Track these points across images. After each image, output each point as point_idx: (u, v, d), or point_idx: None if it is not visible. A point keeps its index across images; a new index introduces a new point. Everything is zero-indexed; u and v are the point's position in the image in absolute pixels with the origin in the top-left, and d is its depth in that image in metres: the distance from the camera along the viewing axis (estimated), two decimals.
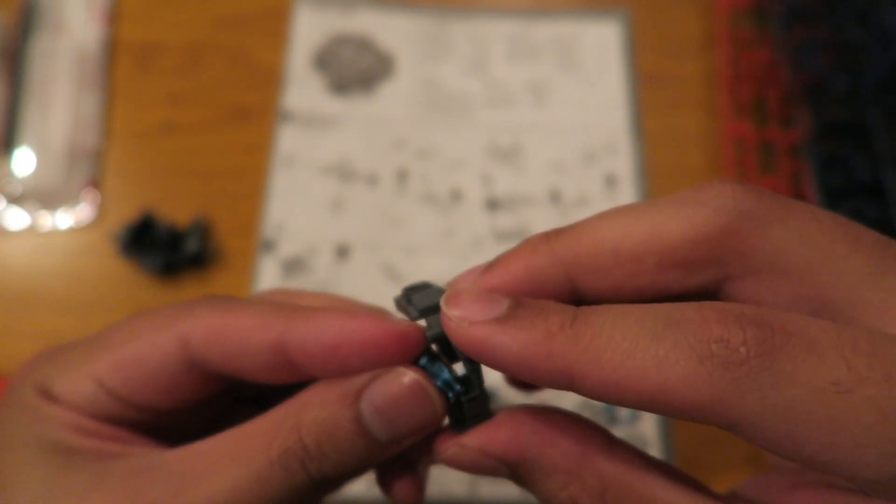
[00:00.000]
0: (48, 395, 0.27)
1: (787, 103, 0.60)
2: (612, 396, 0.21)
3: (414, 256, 0.56)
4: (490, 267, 0.27)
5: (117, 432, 0.28)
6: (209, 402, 0.31)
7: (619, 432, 0.50)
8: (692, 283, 0.25)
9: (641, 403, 0.21)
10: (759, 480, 0.25)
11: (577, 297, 0.26)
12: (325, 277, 0.55)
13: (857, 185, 0.55)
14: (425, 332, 0.26)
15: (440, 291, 0.27)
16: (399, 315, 0.28)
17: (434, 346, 0.26)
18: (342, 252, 0.56)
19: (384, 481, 0.30)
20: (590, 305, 0.23)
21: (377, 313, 0.27)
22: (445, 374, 0.26)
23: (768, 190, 0.24)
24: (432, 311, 0.27)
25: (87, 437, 0.27)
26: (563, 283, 0.26)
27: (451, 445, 0.26)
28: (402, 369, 0.25)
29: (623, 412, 0.51)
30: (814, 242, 0.23)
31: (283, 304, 0.28)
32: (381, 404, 0.25)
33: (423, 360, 0.26)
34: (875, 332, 0.20)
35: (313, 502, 0.27)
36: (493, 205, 0.58)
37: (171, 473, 0.25)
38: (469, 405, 0.26)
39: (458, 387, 0.26)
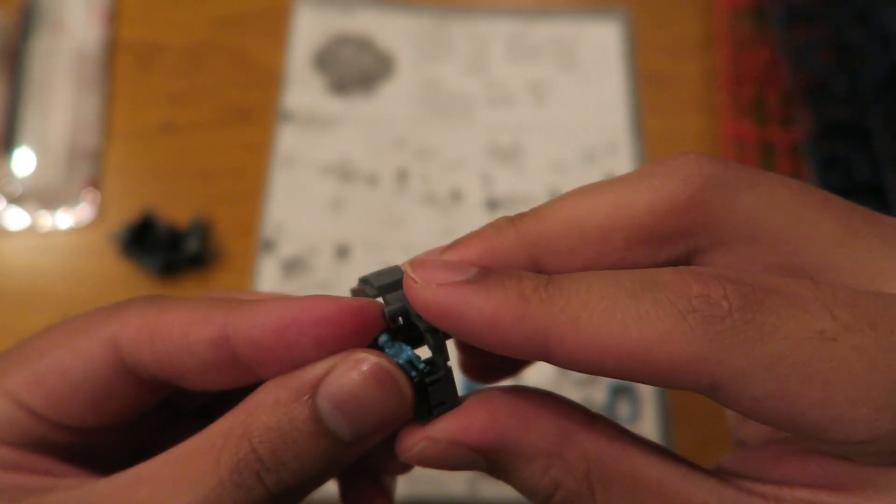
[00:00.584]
0: None
1: (787, 103, 0.60)
2: (592, 360, 0.20)
3: (414, 256, 0.56)
4: (451, 246, 0.25)
5: (40, 461, 0.24)
6: (145, 419, 0.28)
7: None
8: (662, 257, 0.23)
9: (621, 366, 0.20)
10: (744, 454, 0.24)
11: None
12: (325, 277, 0.55)
13: (857, 185, 0.55)
14: (384, 309, 0.24)
15: (399, 269, 0.25)
16: None
17: (392, 327, 0.24)
18: (342, 252, 0.56)
19: (348, 498, 0.28)
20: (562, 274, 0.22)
21: (330, 296, 0.24)
22: (408, 353, 0.24)
23: (733, 161, 0.23)
24: (392, 287, 0.25)
25: (4, 472, 0.24)
26: (528, 265, 0.24)
27: (417, 440, 0.23)
28: (360, 354, 0.23)
29: (622, 412, 0.51)
30: (783, 208, 0.22)
31: (223, 297, 0.25)
32: (342, 397, 0.22)
33: (382, 338, 0.24)
34: (853, 288, 0.20)
35: None
36: (493, 205, 0.58)
37: None
38: (434, 389, 0.23)
39: (422, 366, 0.23)
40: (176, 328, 0.24)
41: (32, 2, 0.63)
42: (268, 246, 0.56)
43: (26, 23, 0.62)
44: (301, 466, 0.22)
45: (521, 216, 0.24)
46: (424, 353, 0.24)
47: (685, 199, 0.22)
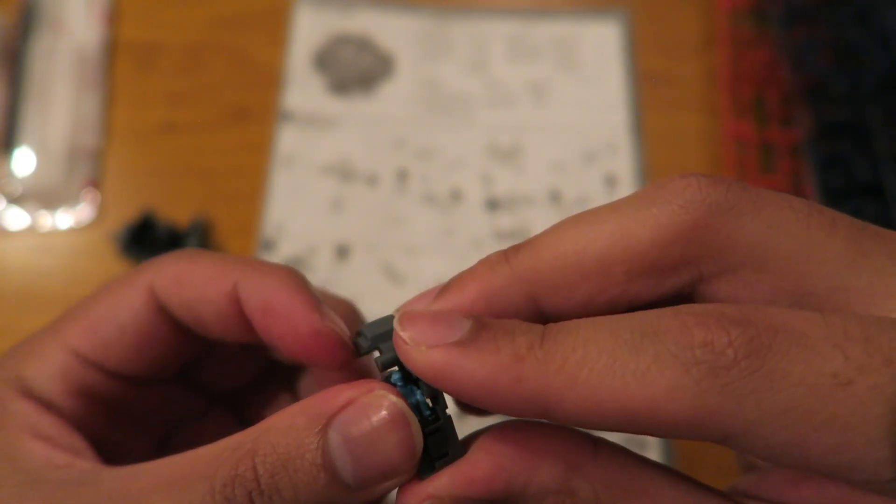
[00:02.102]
0: (20, 386, 0.26)
1: (787, 103, 0.60)
2: (594, 420, 0.19)
3: (414, 256, 0.56)
4: (445, 289, 0.23)
5: (72, 438, 0.26)
6: (175, 408, 0.31)
7: (617, 436, 0.50)
8: (666, 288, 0.22)
9: (626, 424, 0.19)
10: (758, 477, 0.24)
11: (542, 317, 0.23)
12: (325, 277, 0.55)
13: (857, 185, 0.55)
14: (375, 359, 0.23)
15: (393, 318, 0.23)
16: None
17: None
18: (342, 252, 0.56)
19: None
20: (558, 322, 0.21)
21: (316, 303, 0.25)
22: (417, 396, 0.23)
23: (735, 180, 0.22)
24: (386, 337, 0.23)
25: (41, 443, 0.25)
26: (526, 303, 0.23)
27: (421, 500, 0.22)
28: (382, 392, 0.22)
29: None
30: (789, 231, 0.21)
31: (244, 257, 0.28)
32: (354, 434, 0.21)
33: (395, 377, 0.23)
34: (864, 316, 0.19)
35: None
36: (493, 205, 0.58)
37: (101, 493, 0.23)
38: (434, 440, 0.22)
39: (427, 413, 0.23)
40: (198, 278, 0.26)
41: (32, 2, 0.63)
42: (268, 246, 0.56)
43: (26, 23, 0.62)
44: (294, 497, 0.21)
45: (516, 249, 0.24)
46: None
47: (688, 228, 0.21)
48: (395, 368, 0.23)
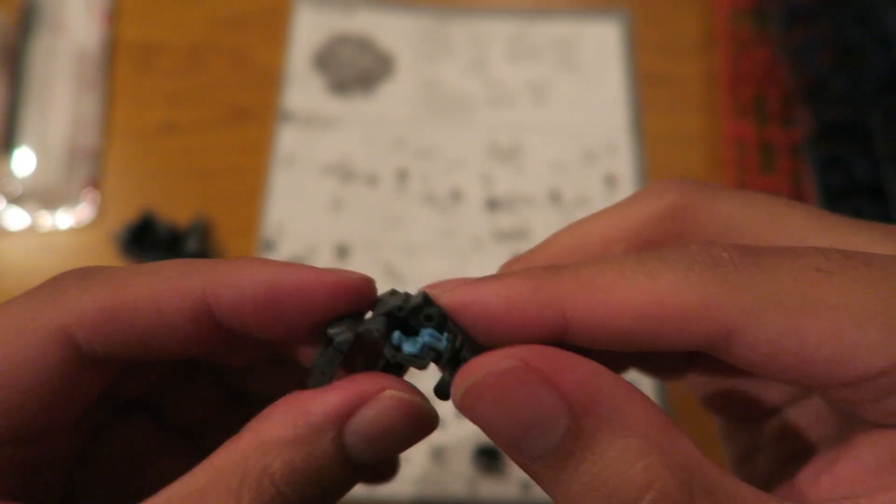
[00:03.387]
0: None
1: (787, 103, 0.60)
2: (608, 321, 0.20)
3: (414, 256, 0.56)
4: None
5: None
6: (81, 422, 0.26)
7: None
8: None
9: (637, 323, 0.20)
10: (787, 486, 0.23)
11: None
12: None
13: (857, 185, 0.55)
14: (376, 312, 0.23)
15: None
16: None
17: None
18: (342, 252, 0.56)
19: None
20: None
21: (291, 264, 0.23)
22: (425, 338, 0.23)
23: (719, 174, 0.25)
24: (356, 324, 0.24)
25: None
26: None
27: (502, 359, 0.20)
28: (391, 392, 0.22)
29: None
30: (756, 205, 0.24)
31: (191, 262, 0.23)
32: (373, 432, 0.22)
33: (396, 335, 0.23)
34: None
35: None
36: (493, 205, 0.58)
37: None
38: (465, 355, 0.22)
39: (444, 343, 0.23)
40: (143, 304, 0.22)
41: (32, 2, 0.63)
42: (268, 246, 0.56)
43: (26, 23, 0.62)
44: (321, 494, 0.21)
45: (527, 252, 0.27)
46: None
47: (670, 207, 0.25)
48: (393, 330, 0.23)
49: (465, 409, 0.21)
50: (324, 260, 0.55)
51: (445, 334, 0.23)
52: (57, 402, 0.22)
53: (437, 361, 0.23)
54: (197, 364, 0.28)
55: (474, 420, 0.21)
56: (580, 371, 0.20)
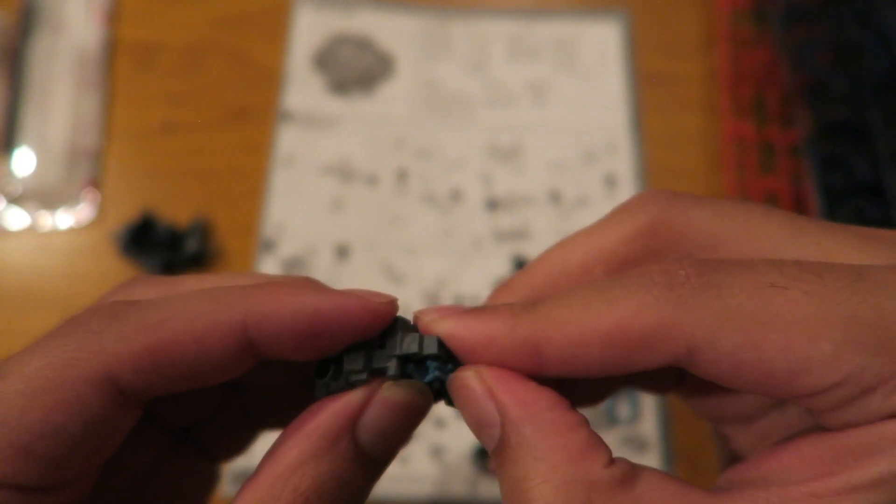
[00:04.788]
0: None
1: (787, 103, 0.60)
2: (578, 352, 0.21)
3: (414, 256, 0.56)
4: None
5: None
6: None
7: (619, 433, 0.50)
8: None
9: (605, 350, 0.21)
10: (745, 463, 0.24)
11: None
12: (325, 277, 0.55)
13: (857, 185, 0.55)
14: (398, 354, 0.25)
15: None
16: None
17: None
18: (342, 252, 0.56)
19: None
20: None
21: (322, 287, 0.25)
22: (433, 373, 0.25)
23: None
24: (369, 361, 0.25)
25: None
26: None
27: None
28: (388, 384, 0.24)
29: (622, 412, 0.51)
30: (731, 216, 0.24)
31: (230, 288, 0.23)
32: (382, 426, 0.24)
33: (409, 367, 0.25)
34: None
35: None
36: (492, 205, 0.58)
37: None
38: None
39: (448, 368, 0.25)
40: (185, 341, 0.22)
41: (32, 2, 0.63)
42: (268, 246, 0.56)
43: (26, 23, 0.62)
44: (353, 499, 0.23)
45: (510, 278, 0.28)
46: None
47: (646, 224, 0.25)
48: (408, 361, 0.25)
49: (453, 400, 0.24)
50: (323, 260, 0.55)
51: (449, 364, 0.25)
52: (97, 447, 0.22)
53: (441, 386, 0.25)
54: None
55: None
56: (520, 393, 0.22)
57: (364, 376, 0.24)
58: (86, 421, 0.21)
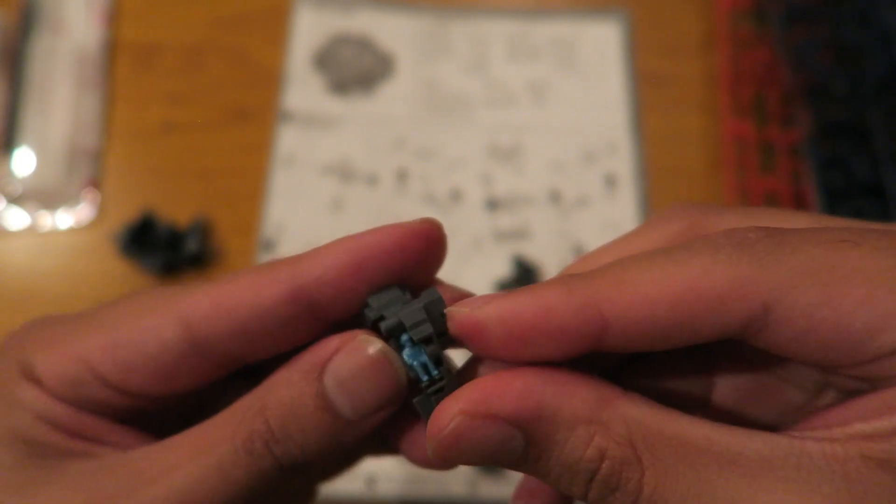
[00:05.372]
0: (28, 373, 0.25)
1: (787, 103, 0.60)
2: (645, 314, 0.21)
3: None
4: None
5: (93, 424, 0.26)
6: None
7: None
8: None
9: (674, 312, 0.20)
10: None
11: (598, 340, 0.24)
12: None
13: (857, 185, 0.55)
14: (381, 325, 0.25)
15: (399, 291, 0.25)
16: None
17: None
18: None
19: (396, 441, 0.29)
20: None
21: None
22: (423, 357, 0.24)
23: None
24: (391, 305, 0.25)
25: (54, 432, 0.25)
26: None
27: (452, 416, 0.21)
28: (365, 337, 0.24)
29: None
30: (760, 219, 0.24)
31: (278, 258, 0.26)
32: (345, 376, 0.23)
33: (404, 337, 0.25)
34: None
35: (282, 490, 0.26)
36: (492, 205, 0.58)
37: (130, 471, 0.24)
38: (438, 398, 0.23)
39: (435, 373, 0.24)
40: (244, 294, 0.24)
41: (32, 2, 0.63)
42: (268, 246, 0.56)
43: (26, 23, 0.62)
44: (305, 439, 0.24)
45: (582, 277, 0.25)
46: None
47: (684, 227, 0.25)
48: (404, 332, 0.25)
49: (445, 465, 0.23)
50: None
51: (438, 371, 0.24)
52: (169, 376, 0.26)
53: (416, 383, 0.24)
54: None
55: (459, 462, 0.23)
56: (517, 389, 0.21)
57: (375, 313, 0.25)
58: (161, 346, 0.25)
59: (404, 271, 0.25)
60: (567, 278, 0.22)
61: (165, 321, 0.25)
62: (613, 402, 0.21)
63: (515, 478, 0.48)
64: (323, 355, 0.24)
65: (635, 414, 0.21)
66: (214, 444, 0.24)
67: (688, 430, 0.21)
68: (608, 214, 0.57)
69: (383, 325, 0.24)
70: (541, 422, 0.21)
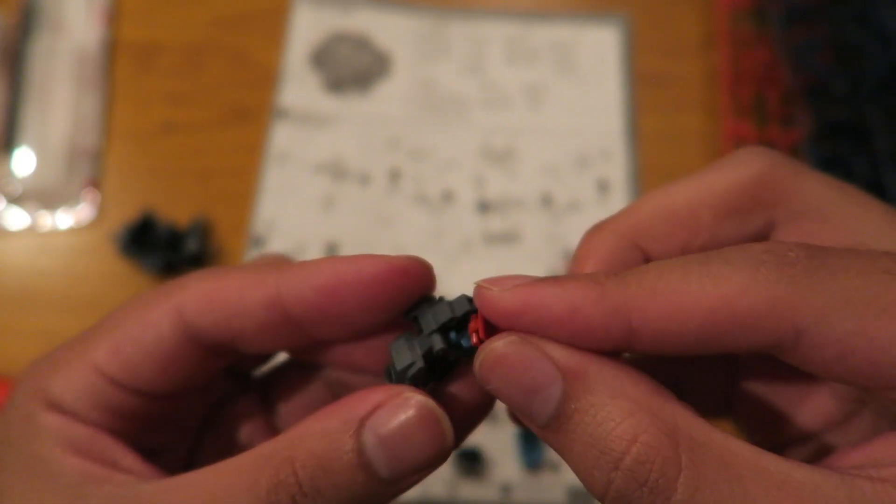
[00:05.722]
0: (47, 400, 0.26)
1: (787, 103, 0.59)
2: (675, 326, 0.20)
3: None
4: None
5: (107, 445, 0.26)
6: (209, 390, 0.30)
7: None
8: (747, 230, 0.26)
9: (706, 326, 0.20)
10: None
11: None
12: None
13: (857, 185, 0.55)
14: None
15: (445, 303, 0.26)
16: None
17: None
18: (332, 250, 0.56)
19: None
20: None
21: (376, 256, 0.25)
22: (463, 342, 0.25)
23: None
24: (424, 311, 0.26)
25: (75, 456, 0.25)
26: (631, 253, 0.26)
27: (502, 338, 0.22)
28: (410, 394, 0.23)
29: None
30: (840, 189, 0.25)
31: (274, 261, 0.27)
32: (387, 434, 0.22)
33: (454, 337, 0.25)
34: None
35: None
36: (484, 207, 0.58)
37: None
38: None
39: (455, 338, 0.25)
40: (232, 292, 0.25)
41: (32, 2, 0.63)
42: (257, 243, 0.56)
43: (26, 23, 0.62)
44: (336, 497, 0.22)
45: (611, 218, 0.27)
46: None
47: (756, 177, 0.25)
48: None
49: (483, 383, 0.22)
50: (313, 258, 0.56)
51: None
52: (169, 367, 0.26)
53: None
54: (307, 364, 0.31)
55: (492, 392, 0.22)
56: (569, 349, 0.21)
57: (419, 365, 0.24)
58: (159, 338, 0.26)
59: (384, 303, 0.25)
60: (600, 278, 0.21)
61: (161, 313, 0.26)
62: (668, 398, 0.21)
63: (496, 480, 0.48)
64: (362, 409, 0.23)
65: (686, 416, 0.20)
66: (234, 492, 0.23)
67: (736, 446, 0.20)
68: (599, 220, 0.57)
69: (439, 349, 0.24)
70: (587, 378, 0.21)
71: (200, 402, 0.30)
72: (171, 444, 0.29)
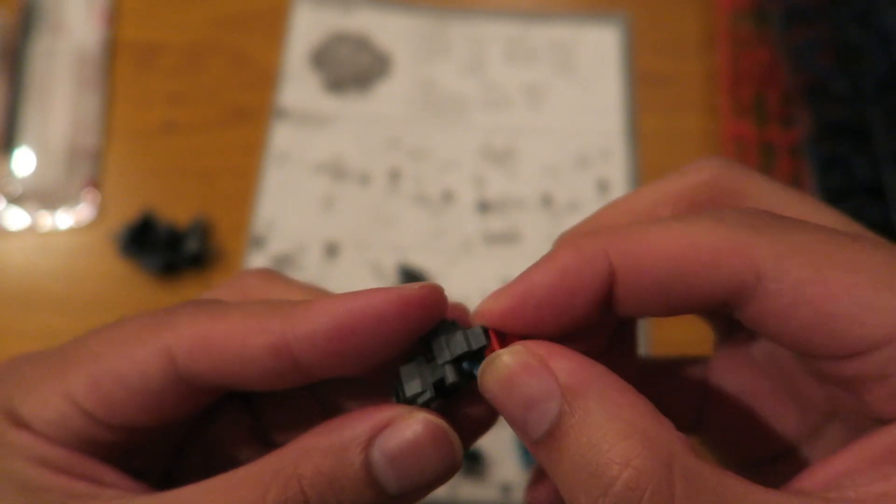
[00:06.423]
0: (15, 417, 0.24)
1: (787, 103, 0.59)
2: (649, 265, 0.22)
3: (403, 256, 0.56)
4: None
5: (90, 466, 0.25)
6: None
7: None
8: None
9: (676, 265, 0.22)
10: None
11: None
12: (313, 275, 0.55)
13: (857, 185, 0.55)
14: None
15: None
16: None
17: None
18: (331, 250, 0.56)
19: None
20: None
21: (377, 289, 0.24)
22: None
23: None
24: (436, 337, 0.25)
25: (53, 474, 0.24)
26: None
27: (508, 348, 0.22)
28: (419, 413, 0.23)
29: None
30: (783, 194, 0.26)
31: (276, 302, 0.25)
32: (396, 452, 0.22)
33: (466, 366, 0.24)
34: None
35: None
36: (484, 207, 0.58)
37: None
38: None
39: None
40: (232, 337, 0.24)
41: (32, 2, 0.63)
42: (257, 242, 0.56)
43: (26, 23, 0.62)
44: None
45: (576, 224, 0.28)
46: None
47: (711, 179, 0.26)
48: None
49: (483, 391, 0.23)
50: (313, 258, 0.56)
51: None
52: (154, 407, 0.25)
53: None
54: None
55: (491, 401, 0.22)
56: (574, 359, 0.21)
57: (429, 394, 0.24)
58: (144, 378, 0.24)
59: (398, 339, 0.24)
60: (575, 238, 0.23)
61: (148, 353, 0.24)
62: (665, 425, 0.20)
63: (496, 480, 0.48)
64: (370, 425, 0.23)
65: (683, 445, 0.20)
66: None
67: (730, 480, 0.20)
68: None
69: (451, 383, 0.24)
70: (586, 397, 0.20)
71: (184, 422, 0.29)
72: (149, 461, 0.28)
